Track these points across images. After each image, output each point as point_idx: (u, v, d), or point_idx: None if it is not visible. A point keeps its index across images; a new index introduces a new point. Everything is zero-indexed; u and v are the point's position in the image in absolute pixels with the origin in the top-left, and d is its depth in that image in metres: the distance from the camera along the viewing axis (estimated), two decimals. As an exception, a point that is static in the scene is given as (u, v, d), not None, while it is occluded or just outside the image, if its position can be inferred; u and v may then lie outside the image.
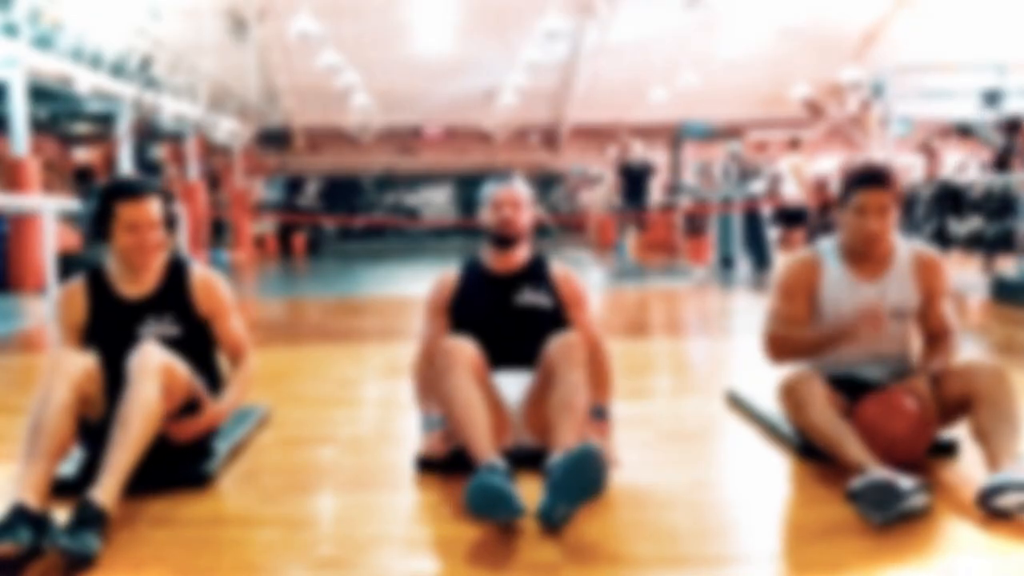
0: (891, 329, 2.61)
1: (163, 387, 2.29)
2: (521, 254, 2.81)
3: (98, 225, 2.47)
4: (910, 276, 2.62)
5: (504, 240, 2.76)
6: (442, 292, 2.81)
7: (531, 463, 2.43)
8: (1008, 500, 2.03)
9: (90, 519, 1.98)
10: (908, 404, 2.39)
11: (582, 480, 2.09)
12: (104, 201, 2.45)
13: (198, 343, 2.62)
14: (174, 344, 2.50)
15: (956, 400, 2.43)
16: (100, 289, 2.56)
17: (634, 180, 14.27)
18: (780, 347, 2.64)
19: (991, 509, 2.05)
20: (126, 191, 2.45)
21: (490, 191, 2.80)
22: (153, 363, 2.29)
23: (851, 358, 2.63)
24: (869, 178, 2.51)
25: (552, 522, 2.04)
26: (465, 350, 2.48)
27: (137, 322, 2.52)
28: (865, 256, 2.59)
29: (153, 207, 2.48)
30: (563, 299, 2.79)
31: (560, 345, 2.49)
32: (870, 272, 2.61)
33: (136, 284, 2.56)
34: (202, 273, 2.66)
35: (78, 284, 2.58)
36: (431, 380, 2.59)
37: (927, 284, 2.64)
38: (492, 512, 2.05)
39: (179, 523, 2.18)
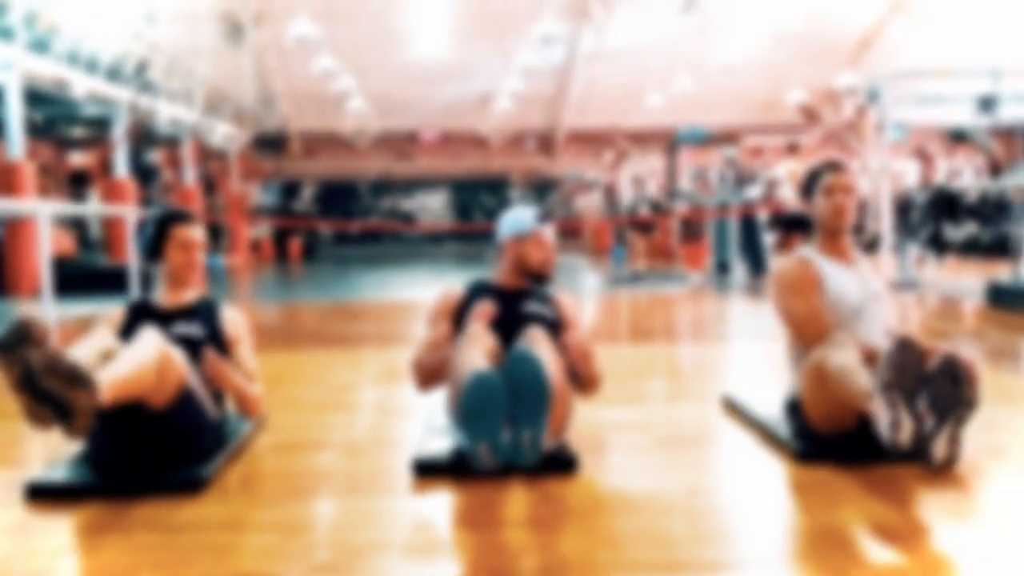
0: (875, 311, 2.83)
1: (159, 368, 2.40)
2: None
3: (154, 245, 2.85)
4: (871, 271, 2.92)
5: (541, 278, 2.94)
6: (448, 301, 2.95)
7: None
8: (939, 448, 2.15)
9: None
10: None
11: (524, 388, 2.15)
12: (160, 225, 2.85)
13: (217, 352, 2.82)
14: (197, 345, 2.74)
15: None
16: (140, 307, 2.89)
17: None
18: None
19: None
20: (179, 217, 2.88)
21: (535, 227, 2.93)
22: (153, 342, 2.44)
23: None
24: (832, 165, 2.91)
25: (521, 455, 2.08)
26: (486, 338, 2.59)
27: (168, 323, 2.77)
28: (836, 237, 2.88)
29: (200, 231, 2.90)
30: (561, 318, 2.95)
31: (528, 336, 2.61)
32: (845, 262, 2.88)
33: (174, 298, 2.90)
34: (231, 308, 3.03)
35: (123, 307, 2.90)
36: (436, 366, 2.74)
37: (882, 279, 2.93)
38: (480, 418, 2.12)
39: (174, 528, 2.17)
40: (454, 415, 2.47)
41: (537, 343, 2.53)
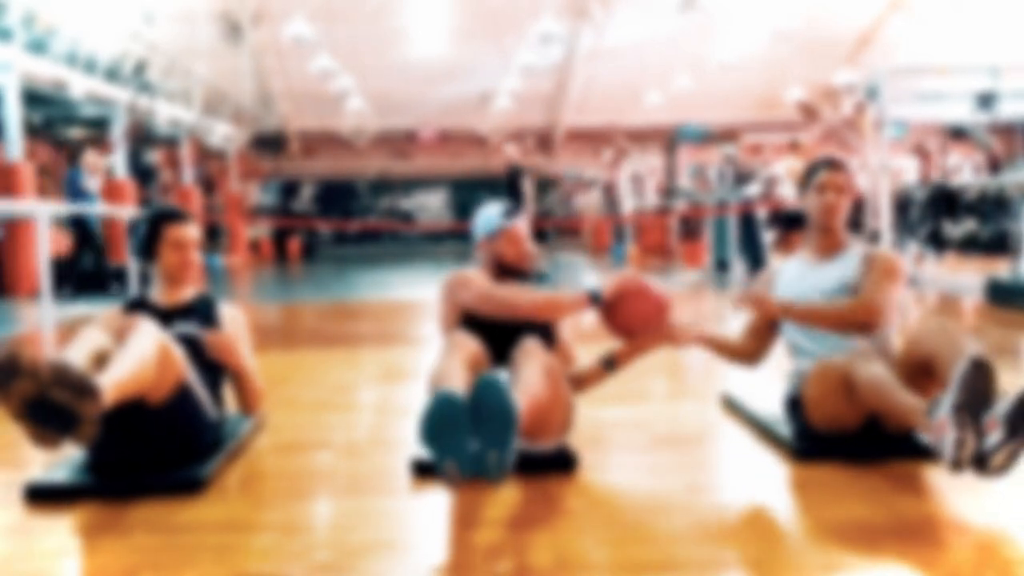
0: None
1: (159, 361, 2.39)
2: None
3: (147, 244, 2.83)
4: (858, 262, 2.85)
5: (521, 274, 2.90)
6: (467, 274, 2.85)
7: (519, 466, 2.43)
8: (998, 459, 2.09)
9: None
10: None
11: (489, 412, 2.10)
12: (153, 224, 2.83)
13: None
14: (195, 344, 2.72)
15: (918, 366, 2.51)
16: (137, 305, 2.86)
17: (510, 186, 14.55)
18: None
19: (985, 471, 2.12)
20: (172, 215, 2.86)
21: (506, 223, 2.88)
22: (152, 335, 2.42)
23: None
24: (828, 162, 2.92)
25: (487, 472, 2.06)
26: (469, 344, 2.56)
27: (166, 321, 2.74)
28: (825, 233, 2.90)
29: (194, 230, 2.87)
30: None
31: (521, 349, 2.58)
32: (824, 257, 2.91)
33: (171, 296, 2.87)
34: (230, 306, 3.03)
35: (119, 306, 2.87)
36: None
37: (871, 266, 2.80)
38: (443, 438, 2.08)
39: (173, 529, 2.17)
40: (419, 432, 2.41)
41: (531, 357, 2.50)
